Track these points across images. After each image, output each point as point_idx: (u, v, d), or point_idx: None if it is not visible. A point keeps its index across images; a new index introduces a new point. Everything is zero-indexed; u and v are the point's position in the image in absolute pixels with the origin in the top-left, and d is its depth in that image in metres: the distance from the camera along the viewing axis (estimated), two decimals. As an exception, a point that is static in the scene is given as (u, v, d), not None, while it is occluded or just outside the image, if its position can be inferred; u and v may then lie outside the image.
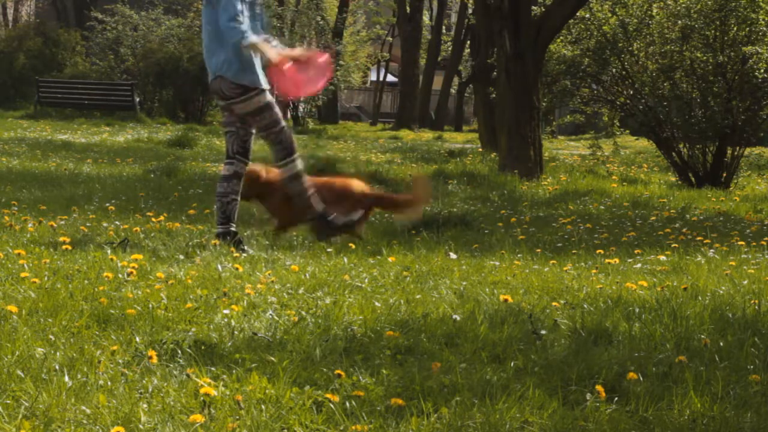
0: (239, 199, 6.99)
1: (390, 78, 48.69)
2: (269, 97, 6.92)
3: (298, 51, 7.12)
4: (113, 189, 10.57)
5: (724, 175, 14.95)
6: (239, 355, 3.89)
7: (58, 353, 3.75)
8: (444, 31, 43.66)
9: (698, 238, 8.11)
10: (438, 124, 39.89)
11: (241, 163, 6.98)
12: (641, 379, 3.79)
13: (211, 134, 22.15)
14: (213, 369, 3.74)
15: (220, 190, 6.95)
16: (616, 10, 15.47)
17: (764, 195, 13.16)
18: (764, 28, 14.61)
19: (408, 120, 37.09)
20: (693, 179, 14.98)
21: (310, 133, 27.15)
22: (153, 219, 7.89)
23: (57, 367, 3.58)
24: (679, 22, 15.02)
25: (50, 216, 7.86)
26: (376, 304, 4.84)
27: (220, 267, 5.59)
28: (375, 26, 43.77)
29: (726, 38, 14.82)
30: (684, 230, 8.78)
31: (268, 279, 5.34)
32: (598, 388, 3.60)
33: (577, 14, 15.01)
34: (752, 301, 5.11)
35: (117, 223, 7.71)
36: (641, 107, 15.38)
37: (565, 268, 6.29)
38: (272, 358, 3.84)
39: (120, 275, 5.16)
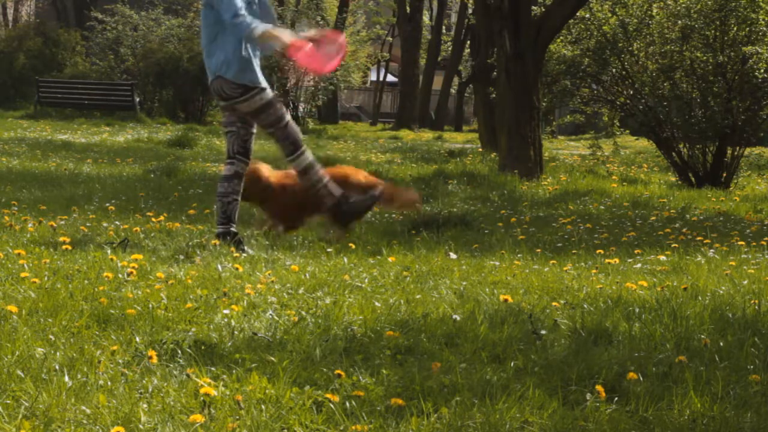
0: (240, 199, 6.99)
1: (390, 78, 48.68)
2: (271, 94, 6.93)
3: (311, 32, 7.10)
4: (113, 189, 10.58)
5: (724, 175, 14.95)
6: (239, 355, 3.89)
7: (58, 353, 3.75)
8: (444, 31, 43.66)
9: (698, 238, 8.11)
10: (438, 124, 39.89)
11: (242, 163, 6.98)
12: (641, 379, 3.79)
13: (211, 134, 22.15)
14: (213, 369, 3.74)
15: (221, 190, 6.95)
16: (616, 10, 15.47)
17: (764, 195, 13.16)
18: (764, 28, 14.61)
19: (408, 120, 37.08)
20: (693, 179, 14.98)
21: (310, 133, 27.15)
22: (153, 219, 7.89)
23: (57, 367, 3.58)
24: (679, 22, 15.02)
25: (50, 216, 7.86)
26: (376, 304, 4.84)
27: (220, 267, 5.60)
28: (375, 26, 43.76)
29: (726, 38, 14.82)
30: (684, 230, 8.78)
31: (268, 279, 5.34)
32: (598, 388, 3.60)
33: (577, 14, 15.01)
34: (752, 301, 5.11)
35: (117, 223, 7.71)
36: (641, 107, 15.38)
37: (565, 268, 6.29)
38: (272, 358, 3.84)
39: (120, 275, 5.16)
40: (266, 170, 7.36)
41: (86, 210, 8.55)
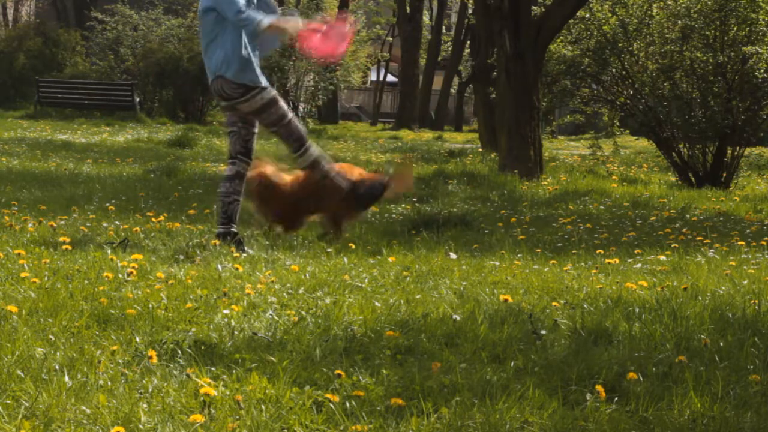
0: (241, 199, 6.99)
1: (390, 78, 48.68)
2: (272, 92, 6.93)
3: (317, 19, 7.08)
4: (113, 189, 10.58)
5: (724, 175, 14.95)
6: (239, 355, 3.89)
7: (58, 353, 3.75)
8: (444, 31, 43.66)
9: (698, 238, 8.11)
10: (438, 124, 39.89)
11: (244, 163, 6.98)
12: (641, 379, 3.79)
13: (211, 134, 22.15)
14: (213, 369, 3.74)
15: (222, 190, 6.96)
16: (616, 10, 15.47)
17: (764, 195, 13.16)
18: (764, 28, 14.61)
19: (408, 120, 37.08)
20: (693, 179, 14.97)
21: (310, 133, 27.09)
22: (153, 219, 7.89)
23: (57, 367, 3.58)
24: (679, 22, 15.01)
25: (50, 216, 7.86)
26: (376, 304, 4.84)
27: (220, 267, 5.60)
28: (375, 26, 43.76)
29: (726, 38, 14.82)
30: (684, 230, 8.78)
31: (268, 279, 5.34)
32: (598, 388, 3.60)
33: (577, 14, 15.01)
34: (752, 301, 5.11)
35: (117, 223, 7.71)
36: (641, 107, 15.38)
37: (565, 268, 6.29)
38: (272, 358, 3.84)
39: (120, 275, 5.16)
40: (270, 169, 7.34)
41: (86, 210, 8.55)
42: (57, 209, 8.50)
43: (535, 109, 14.08)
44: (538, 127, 14.29)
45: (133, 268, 5.31)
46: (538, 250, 7.28)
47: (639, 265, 6.54)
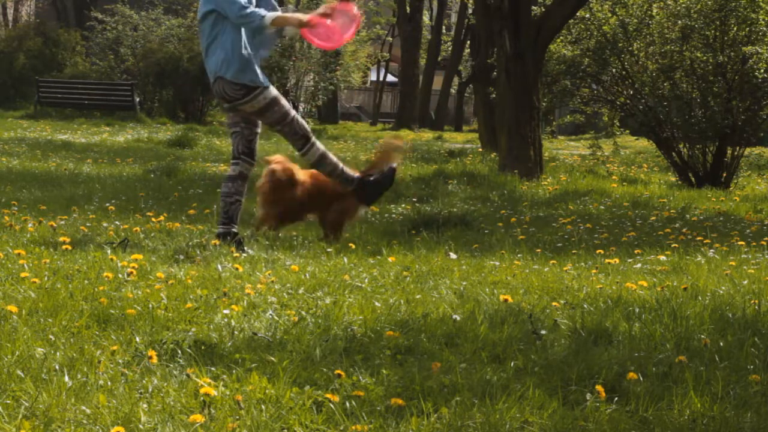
0: (243, 200, 6.99)
1: (390, 78, 48.67)
2: (274, 91, 6.92)
3: (321, 8, 7.04)
4: (113, 189, 10.58)
5: (724, 175, 14.95)
6: (239, 355, 3.89)
7: (58, 353, 3.75)
8: (444, 31, 43.64)
9: (698, 238, 8.11)
10: (438, 124, 39.89)
11: (247, 163, 6.97)
12: (641, 379, 3.79)
13: (211, 134, 22.15)
14: (213, 369, 3.74)
15: (225, 190, 6.95)
16: (616, 10, 15.47)
17: (764, 195, 13.16)
18: (764, 28, 14.61)
19: (408, 120, 37.08)
20: (693, 179, 14.97)
21: (310, 133, 27.11)
22: (153, 219, 7.89)
23: (57, 367, 3.58)
24: (679, 22, 15.01)
25: (50, 216, 7.86)
26: (376, 304, 4.84)
27: (220, 267, 5.59)
28: (375, 26, 43.75)
29: (726, 38, 14.82)
30: (684, 230, 8.78)
31: (268, 279, 5.34)
32: (598, 388, 3.60)
33: (577, 14, 15.01)
34: (752, 301, 5.11)
35: (117, 223, 7.71)
36: (641, 107, 15.38)
37: (565, 268, 6.29)
38: (272, 358, 3.84)
39: (120, 275, 5.16)
40: (289, 164, 7.27)
41: (86, 210, 8.55)
42: (57, 209, 8.50)
43: (535, 109, 14.08)
44: (538, 127, 14.28)
45: (133, 268, 5.31)
46: (538, 250, 7.28)
47: (639, 265, 6.54)
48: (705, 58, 14.84)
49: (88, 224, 7.47)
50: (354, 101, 48.89)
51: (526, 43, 13.85)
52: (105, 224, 7.55)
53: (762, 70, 14.49)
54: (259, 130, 7.02)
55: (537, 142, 14.16)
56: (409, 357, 4.05)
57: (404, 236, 8.10)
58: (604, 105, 16.56)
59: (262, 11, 6.67)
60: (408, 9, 37.80)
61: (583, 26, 15.59)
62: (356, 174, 7.25)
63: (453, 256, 6.66)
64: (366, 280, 5.48)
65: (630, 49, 15.36)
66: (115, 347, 3.86)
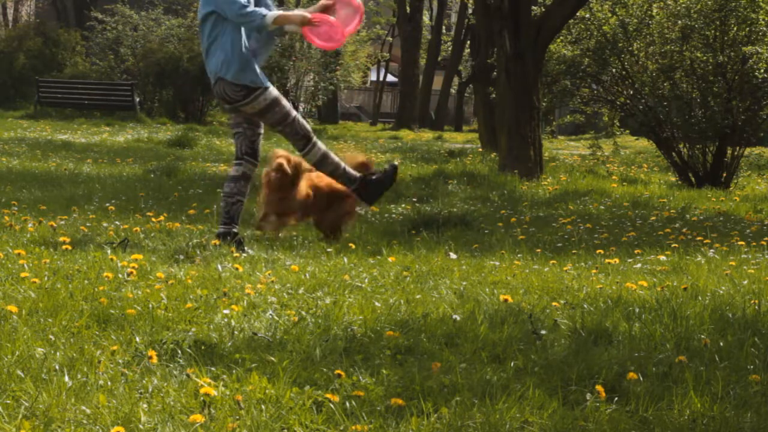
0: (245, 200, 6.99)
1: (390, 78, 48.66)
2: (274, 92, 6.91)
3: (321, 1, 7.00)
4: (113, 189, 10.58)
5: (724, 175, 14.95)
6: (239, 355, 3.89)
7: (58, 353, 3.75)
8: (444, 31, 43.64)
9: (698, 238, 8.11)
10: (438, 124, 39.89)
11: (250, 164, 6.97)
12: (641, 379, 3.79)
13: (211, 134, 22.15)
14: (213, 369, 3.74)
15: (227, 190, 6.95)
16: (616, 10, 15.47)
17: (764, 195, 13.16)
18: (764, 28, 14.61)
19: (408, 120, 37.08)
20: (693, 179, 14.97)
21: (310, 133, 27.09)
22: (153, 219, 7.89)
23: (57, 367, 3.58)
24: (679, 22, 15.01)
25: (50, 216, 7.86)
26: (376, 304, 4.84)
27: (220, 267, 5.59)
28: (375, 26, 43.75)
29: (726, 38, 14.82)
30: (684, 230, 8.78)
31: (268, 279, 5.34)
32: (598, 388, 3.60)
33: (577, 14, 15.01)
34: (752, 301, 5.11)
35: (117, 223, 7.71)
36: (641, 107, 15.38)
37: (565, 268, 6.29)
38: (272, 358, 3.84)
39: (120, 275, 5.16)
40: (297, 161, 7.24)
41: (86, 210, 8.55)
42: (57, 209, 8.50)
43: (535, 109, 14.08)
44: (538, 127, 14.28)
45: (133, 268, 5.31)
46: (538, 250, 7.28)
47: (639, 265, 6.54)
48: (705, 58, 14.84)
49: (88, 224, 7.47)
50: (354, 101, 48.89)
51: (526, 43, 13.85)
52: (105, 224, 7.55)
53: (762, 70, 14.49)
54: (261, 131, 7.02)
55: (537, 142, 14.16)
56: (409, 357, 4.05)
57: (404, 236, 8.10)
58: (604, 105, 16.56)
59: (263, 10, 6.66)
60: (408, 9, 37.78)
61: (583, 26, 15.59)
62: (358, 174, 7.23)
63: (453, 256, 6.66)
64: (366, 280, 5.48)
65: (630, 49, 15.36)
66: (115, 347, 3.86)
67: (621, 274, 6.12)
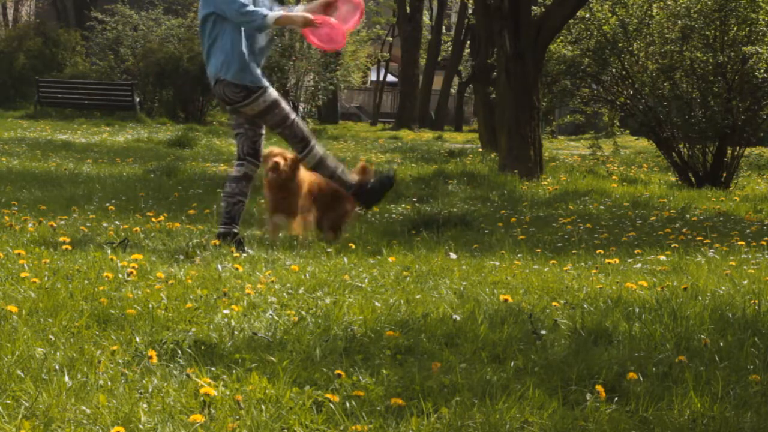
0: (246, 201, 6.98)
1: (390, 78, 48.65)
2: (274, 94, 6.90)
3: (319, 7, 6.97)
4: (113, 189, 10.58)
5: (724, 175, 14.95)
6: (239, 355, 3.89)
7: (58, 353, 3.75)
8: (444, 31, 43.63)
9: (698, 238, 8.11)
10: (438, 124, 39.88)
11: (252, 164, 6.97)
12: (641, 379, 3.79)
13: (211, 134, 22.15)
14: (213, 369, 3.74)
15: (228, 190, 6.94)
16: (616, 10, 15.47)
17: (764, 195, 13.16)
18: (764, 28, 14.61)
19: (408, 120, 37.08)
20: (693, 179, 14.97)
21: (310, 133, 27.08)
22: (153, 219, 7.89)
23: (57, 367, 3.58)
24: (679, 22, 15.01)
25: (50, 216, 7.86)
26: (376, 304, 4.84)
27: (220, 267, 5.60)
28: (375, 26, 43.74)
29: (726, 38, 14.82)
30: (684, 230, 8.78)
31: (268, 279, 5.34)
32: (598, 388, 3.60)
33: (577, 14, 15.01)
34: (752, 301, 5.11)
35: (117, 223, 7.71)
36: (641, 107, 15.38)
37: (565, 268, 6.29)
38: (272, 358, 3.84)
39: (120, 275, 5.16)
40: (295, 159, 7.23)
41: (86, 210, 8.55)
42: (57, 209, 8.50)
43: (535, 109, 14.07)
44: (538, 127, 14.28)
45: (133, 268, 5.31)
46: (538, 250, 7.28)
47: (639, 265, 6.54)
48: (705, 58, 14.84)
49: (88, 224, 7.47)
50: (354, 101, 48.89)
51: (526, 43, 13.85)
52: (105, 224, 7.55)
53: (762, 70, 14.48)
54: (263, 132, 7.02)
55: (537, 142, 14.16)
56: (409, 357, 4.05)
57: (404, 236, 8.10)
58: (604, 105, 16.56)
59: (263, 10, 6.64)
60: (408, 9, 37.79)
61: (583, 26, 15.59)
62: (355, 178, 7.22)
63: (453, 256, 6.66)
64: (366, 280, 5.48)
65: (630, 49, 15.36)
66: (115, 347, 3.86)
67: (621, 274, 6.12)
